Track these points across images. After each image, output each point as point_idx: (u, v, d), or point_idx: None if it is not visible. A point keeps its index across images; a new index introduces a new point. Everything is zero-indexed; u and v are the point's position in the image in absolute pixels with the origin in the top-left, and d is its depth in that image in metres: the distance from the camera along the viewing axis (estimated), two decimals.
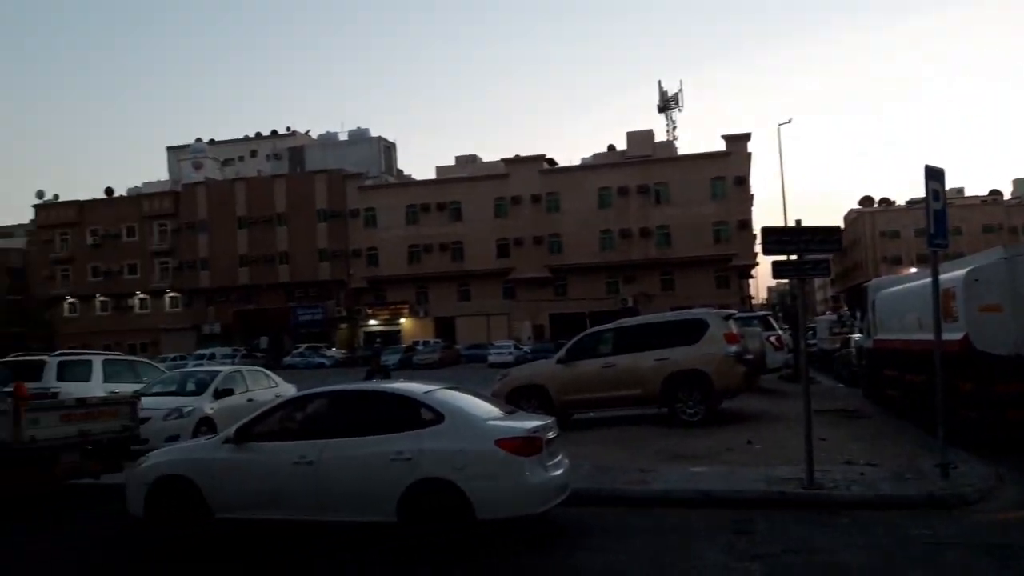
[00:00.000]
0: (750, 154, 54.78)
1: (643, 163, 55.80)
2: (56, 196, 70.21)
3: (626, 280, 55.01)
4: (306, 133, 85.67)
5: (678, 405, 12.77)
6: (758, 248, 55.86)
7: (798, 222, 8.41)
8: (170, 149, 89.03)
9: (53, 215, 66.80)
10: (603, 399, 13.24)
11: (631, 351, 13.24)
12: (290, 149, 72.23)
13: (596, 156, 63.06)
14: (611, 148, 63.88)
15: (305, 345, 56.00)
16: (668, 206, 54.68)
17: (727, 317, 13.63)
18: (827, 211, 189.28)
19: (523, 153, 59.44)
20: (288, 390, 14.39)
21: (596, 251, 55.42)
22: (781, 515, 7.18)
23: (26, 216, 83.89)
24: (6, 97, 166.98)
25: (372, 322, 60.54)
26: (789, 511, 7.30)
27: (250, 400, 13.43)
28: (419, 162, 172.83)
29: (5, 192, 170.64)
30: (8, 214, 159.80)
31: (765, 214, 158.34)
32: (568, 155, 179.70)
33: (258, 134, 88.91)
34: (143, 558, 6.89)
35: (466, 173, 62.06)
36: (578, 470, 8.40)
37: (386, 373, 12.11)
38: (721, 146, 54.72)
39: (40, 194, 69.41)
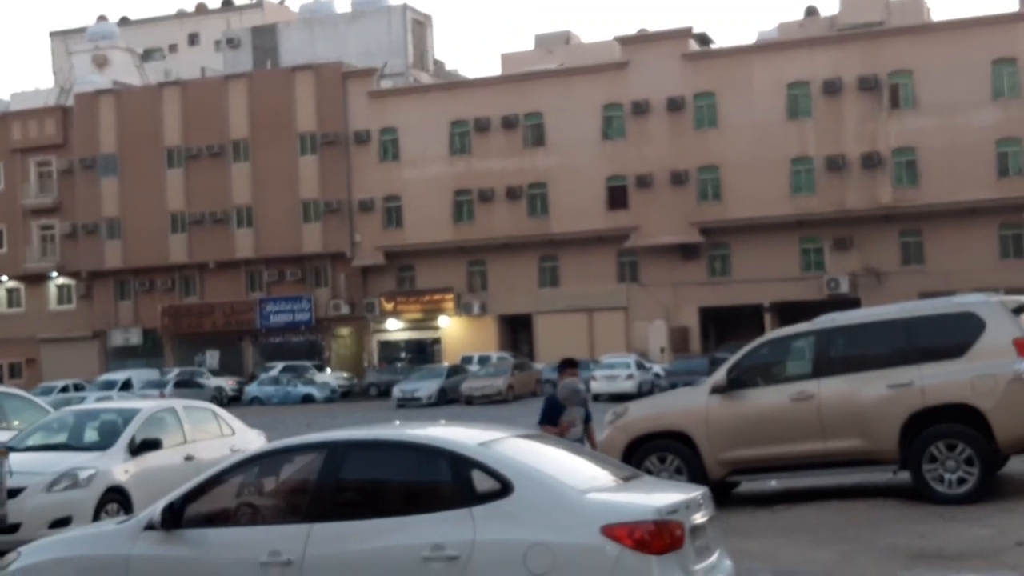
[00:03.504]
0: None
1: (870, 37, 54.80)
2: None
3: (837, 246, 54.29)
4: (280, 2, 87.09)
5: (928, 467, 12.68)
6: None
7: None
8: (55, 36, 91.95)
9: None
10: (793, 456, 13.28)
11: (844, 371, 13.31)
12: (254, 30, 73.79)
13: (781, 28, 61.74)
14: (811, 12, 62.62)
15: (281, 364, 57.34)
16: (914, 113, 53.56)
17: (1018, 308, 13.33)
18: None
19: (652, 27, 59.00)
20: (251, 441, 14.91)
21: (782, 195, 54.73)
22: None
23: None
24: None
25: (392, 323, 61.49)
26: None
27: (189, 458, 13.97)
28: (472, 48, 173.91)
29: None
30: None
31: None
32: (731, 30, 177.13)
33: (201, 6, 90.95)
34: None
35: (554, 64, 61.81)
36: None
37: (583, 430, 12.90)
38: (1012, 4, 53.25)
39: None
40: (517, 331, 60.43)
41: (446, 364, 53.16)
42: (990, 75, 52.58)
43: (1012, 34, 52.35)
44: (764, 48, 57.99)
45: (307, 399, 51.13)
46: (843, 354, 13.53)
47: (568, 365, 13.12)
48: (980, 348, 12.71)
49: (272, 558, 6.98)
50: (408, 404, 45.35)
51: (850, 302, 45.65)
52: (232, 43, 72.81)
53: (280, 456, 7.96)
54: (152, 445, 13.73)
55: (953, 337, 12.95)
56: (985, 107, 52.42)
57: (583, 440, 12.22)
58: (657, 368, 46.97)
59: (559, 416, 12.40)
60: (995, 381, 12.50)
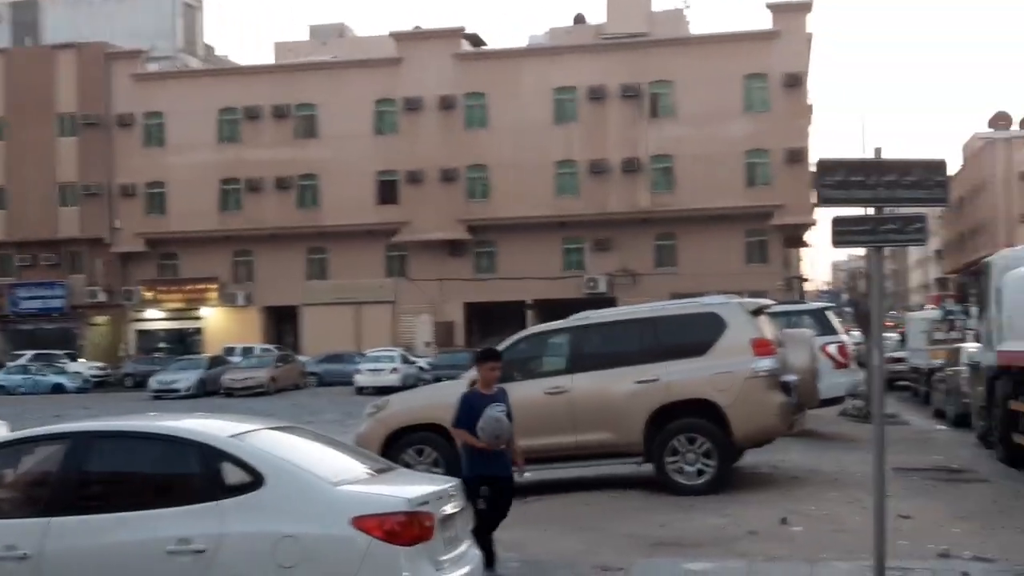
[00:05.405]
0: (810, 36, 55.70)
1: (634, 47, 56.29)
2: None
3: (597, 247, 55.64)
4: None
5: (670, 459, 13.14)
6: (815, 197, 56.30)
7: (878, 151, 8.61)
8: None
9: None
10: (546, 448, 13.35)
11: (596, 367, 13.61)
12: (14, 5, 70.78)
13: (552, 34, 62.88)
14: (579, 21, 63.93)
15: (31, 352, 55.08)
16: (672, 121, 55.26)
17: (757, 311, 13.97)
18: (933, 140, 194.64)
19: (427, 25, 59.12)
20: None
21: (547, 196, 55.76)
22: None
23: None
24: None
25: (152, 312, 59.96)
26: None
27: None
28: (244, 34, 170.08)
29: None
30: None
31: (830, 142, 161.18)
32: (504, 32, 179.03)
33: None
34: None
35: (327, 56, 61.34)
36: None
37: None
38: (765, 22, 55.38)
39: None
40: (283, 323, 59.63)
41: (207, 355, 51.93)
42: (742, 88, 54.54)
43: (764, 49, 54.43)
44: (534, 52, 58.99)
45: (58, 389, 48.95)
46: (596, 350, 13.84)
47: (488, 358, 9.81)
48: (721, 347, 13.28)
49: (7, 552, 6.75)
50: (165, 395, 43.83)
51: (607, 301, 46.86)
52: None
53: (20, 447, 7.66)
54: None
55: (697, 336, 13.46)
56: (735, 119, 54.18)
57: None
58: (422, 362, 47.13)
59: (478, 418, 9.49)
60: (733, 378, 13.07)
